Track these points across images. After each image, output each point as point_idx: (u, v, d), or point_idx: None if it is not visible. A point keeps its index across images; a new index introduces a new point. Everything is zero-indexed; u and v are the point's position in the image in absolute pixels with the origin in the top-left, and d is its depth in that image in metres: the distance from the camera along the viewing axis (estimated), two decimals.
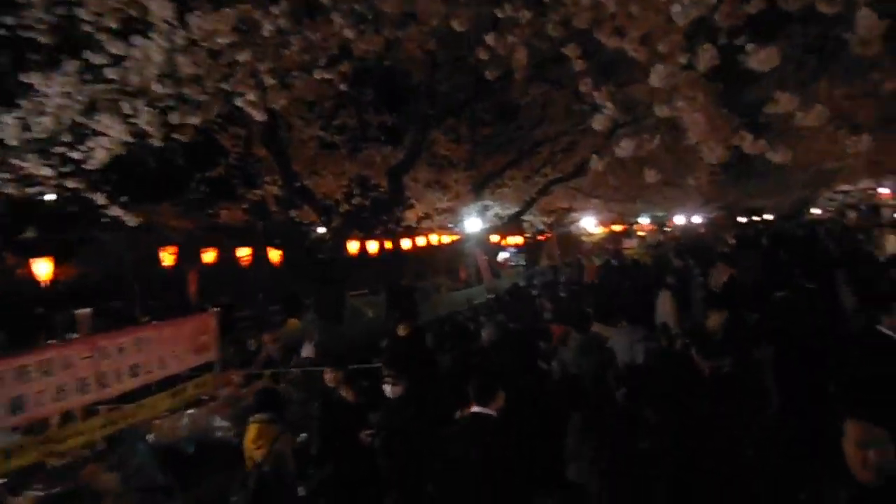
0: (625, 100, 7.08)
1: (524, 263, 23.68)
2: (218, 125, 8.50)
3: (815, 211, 37.88)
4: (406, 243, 16.65)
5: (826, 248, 12.86)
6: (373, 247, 14.95)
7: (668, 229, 32.57)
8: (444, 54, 9.56)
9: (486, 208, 13.95)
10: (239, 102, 3.89)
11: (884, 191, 23.14)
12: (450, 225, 14.99)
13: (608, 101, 4.96)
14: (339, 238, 8.65)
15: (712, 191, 26.76)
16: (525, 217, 15.29)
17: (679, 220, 30.87)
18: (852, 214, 25.05)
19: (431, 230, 15.90)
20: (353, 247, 14.29)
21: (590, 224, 21.53)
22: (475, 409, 3.25)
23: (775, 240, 13.80)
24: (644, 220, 27.90)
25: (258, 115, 4.09)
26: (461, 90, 9.20)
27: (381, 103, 10.94)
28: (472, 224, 13.47)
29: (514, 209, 13.74)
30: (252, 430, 4.15)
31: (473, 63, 9.31)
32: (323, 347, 7.29)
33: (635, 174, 15.01)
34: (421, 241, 16.70)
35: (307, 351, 7.25)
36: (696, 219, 33.58)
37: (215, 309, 6.32)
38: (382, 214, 9.01)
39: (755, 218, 40.27)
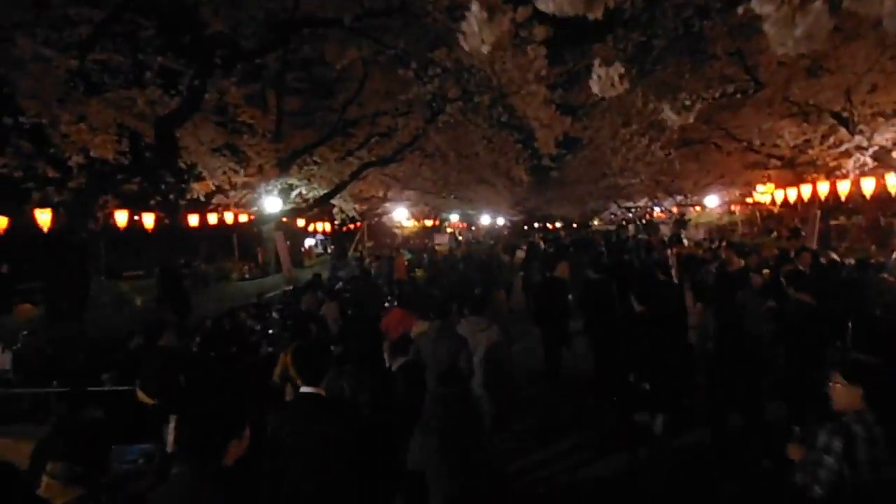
0: (456, 67, 6.14)
1: (331, 252, 22.24)
2: None
3: (595, 222, 42.39)
4: (195, 220, 14.25)
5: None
6: (148, 221, 12.36)
7: (474, 228, 33.58)
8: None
9: (290, 188, 12.27)
10: None
11: (658, 210, 26.12)
12: (248, 204, 12.98)
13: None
14: (80, 204, 6.46)
15: (518, 194, 28.06)
16: (336, 202, 13.89)
17: (485, 220, 31.89)
18: (631, 228, 27.93)
19: (227, 207, 13.73)
20: (121, 219, 11.64)
21: (403, 216, 20.80)
22: (304, 388, 3.01)
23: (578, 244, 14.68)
24: (454, 217, 28.15)
25: None
26: (267, 46, 7.51)
27: (166, 45, 8.76)
28: (273, 204, 11.70)
29: (322, 191, 12.28)
30: None
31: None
32: (30, 353, 5.17)
33: (452, 167, 14.57)
34: (213, 218, 14.39)
35: None
36: (500, 221, 35.20)
37: None
38: (150, 178, 6.98)
39: (548, 225, 43.86)
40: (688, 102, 8.20)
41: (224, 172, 11.21)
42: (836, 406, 2.86)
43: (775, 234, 18.81)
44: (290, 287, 11.26)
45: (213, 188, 12.29)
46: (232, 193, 12.69)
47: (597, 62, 2.38)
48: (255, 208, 12.79)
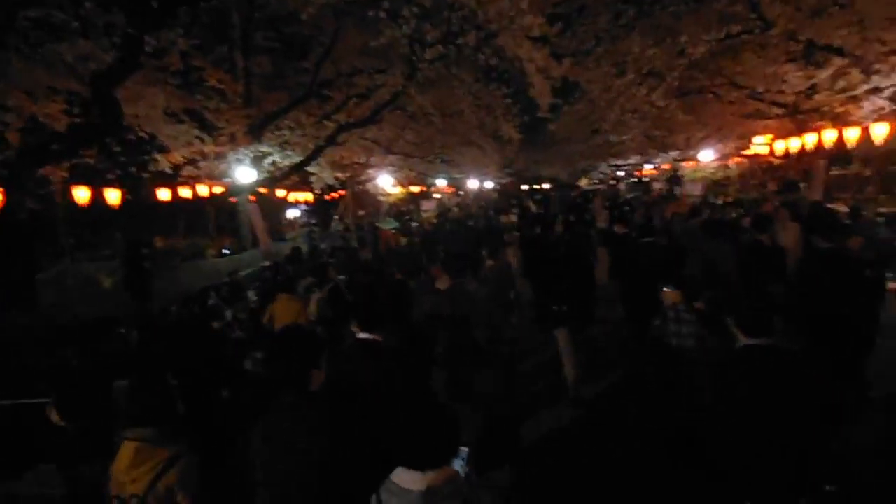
0: (434, 4, 5.35)
1: (314, 223, 21.48)
2: None
3: (582, 182, 41.56)
4: (165, 194, 13.42)
5: None
6: (112, 197, 11.51)
7: (462, 193, 32.75)
8: None
9: (263, 155, 11.44)
10: None
11: (649, 167, 25.42)
12: (220, 175, 12.15)
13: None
14: (15, 180, 5.68)
15: (507, 153, 27.19)
16: (313, 170, 13.09)
17: (472, 184, 31.02)
18: (622, 187, 27.28)
19: (199, 179, 12.89)
20: (81, 195, 10.80)
21: (388, 183, 19.97)
22: (361, 335, 3.28)
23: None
24: (441, 182, 27.30)
25: None
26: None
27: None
28: (245, 174, 10.90)
29: (297, 158, 11.48)
30: (126, 452, 2.51)
31: None
32: None
33: (436, 129, 13.79)
34: (185, 192, 13.57)
35: None
36: (489, 184, 34.33)
37: None
38: (96, 147, 6.19)
39: (535, 186, 43.05)
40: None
41: (189, 142, 10.36)
42: (665, 303, 4.35)
43: (770, 187, 18.20)
44: (268, 263, 10.54)
45: (183, 159, 11.48)
46: (203, 164, 11.88)
47: None
48: (228, 179, 11.99)
